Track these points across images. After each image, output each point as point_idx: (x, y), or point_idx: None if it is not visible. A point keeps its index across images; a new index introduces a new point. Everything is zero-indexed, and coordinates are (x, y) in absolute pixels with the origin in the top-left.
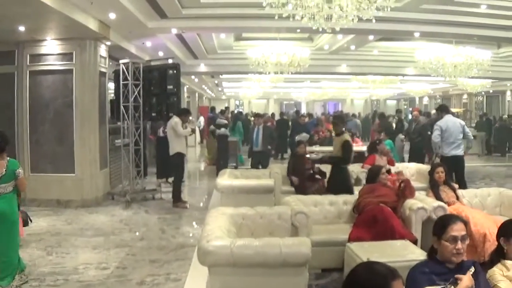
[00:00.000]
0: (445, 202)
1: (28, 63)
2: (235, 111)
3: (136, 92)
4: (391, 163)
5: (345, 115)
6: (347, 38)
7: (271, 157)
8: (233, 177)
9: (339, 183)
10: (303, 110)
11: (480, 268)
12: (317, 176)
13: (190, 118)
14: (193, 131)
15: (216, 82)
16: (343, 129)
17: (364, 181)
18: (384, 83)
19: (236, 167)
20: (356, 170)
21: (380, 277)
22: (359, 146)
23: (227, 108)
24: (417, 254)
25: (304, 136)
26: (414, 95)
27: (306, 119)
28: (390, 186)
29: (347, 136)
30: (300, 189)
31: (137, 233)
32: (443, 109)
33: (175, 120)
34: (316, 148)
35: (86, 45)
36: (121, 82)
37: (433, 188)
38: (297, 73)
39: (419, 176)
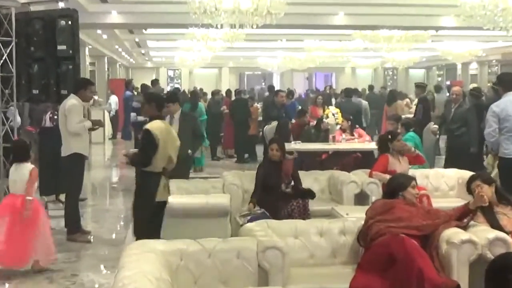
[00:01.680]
0: (506, 232)
1: None
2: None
3: (4, 56)
4: (417, 160)
5: (349, 92)
6: None
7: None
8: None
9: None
10: (276, 86)
11: None
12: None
13: (95, 97)
14: (97, 123)
15: (137, 40)
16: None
17: (372, 198)
18: (406, 41)
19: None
20: (360, 179)
21: None
22: (364, 143)
23: (154, 81)
24: None
25: (281, 124)
26: (454, 61)
27: (284, 99)
28: (417, 205)
29: None
30: (272, 210)
31: None
32: (504, 83)
33: (71, 102)
34: (297, 145)
35: None
36: None
37: (484, 210)
38: (266, 26)
39: (463, 190)
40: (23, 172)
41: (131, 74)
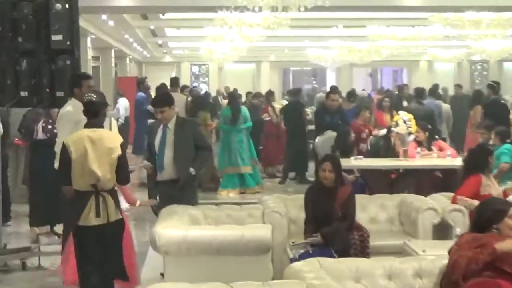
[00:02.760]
0: None
1: None
2: (194, 87)
3: None
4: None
5: (420, 92)
6: None
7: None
8: (190, 222)
9: None
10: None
11: None
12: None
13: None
14: None
15: (152, 28)
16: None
17: (457, 230)
18: (499, 26)
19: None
20: (441, 205)
21: None
22: (446, 159)
23: (174, 79)
24: None
25: (341, 134)
26: None
27: (336, 103)
28: None
29: None
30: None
31: None
32: None
33: (65, 109)
34: (358, 161)
35: None
36: None
37: None
38: (318, 9)
39: None
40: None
41: (145, 71)
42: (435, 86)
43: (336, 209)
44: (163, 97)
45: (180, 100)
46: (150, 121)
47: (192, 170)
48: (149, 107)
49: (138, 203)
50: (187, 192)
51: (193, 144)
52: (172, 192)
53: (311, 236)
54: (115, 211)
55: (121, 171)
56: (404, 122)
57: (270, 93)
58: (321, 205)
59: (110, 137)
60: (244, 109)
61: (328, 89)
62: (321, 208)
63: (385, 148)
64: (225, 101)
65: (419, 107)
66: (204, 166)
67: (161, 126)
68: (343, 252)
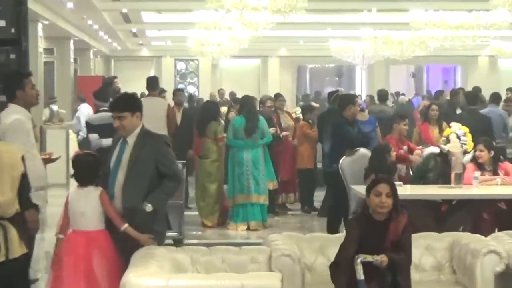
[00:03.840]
0: None
1: None
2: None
3: None
4: None
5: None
6: None
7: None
8: (173, 269)
9: None
10: (360, 86)
11: None
12: None
13: (54, 108)
14: (48, 159)
15: (124, 11)
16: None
17: None
18: None
19: None
20: (506, 248)
21: None
22: None
23: (152, 80)
24: None
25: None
26: None
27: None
28: None
29: None
30: None
31: None
32: None
33: (12, 118)
34: (398, 189)
35: None
36: None
37: None
38: None
39: None
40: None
41: (115, 69)
42: (496, 94)
43: (386, 249)
44: (126, 99)
45: (160, 107)
46: (93, 136)
47: (147, 205)
48: (90, 117)
49: (124, 226)
50: (142, 226)
51: (155, 169)
52: (119, 238)
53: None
54: (19, 244)
55: (23, 192)
56: (458, 137)
57: (279, 98)
58: (368, 242)
59: (9, 150)
60: (262, 119)
61: (356, 92)
62: (370, 244)
63: (438, 172)
64: (223, 109)
65: (470, 116)
66: (165, 203)
67: (121, 140)
68: None
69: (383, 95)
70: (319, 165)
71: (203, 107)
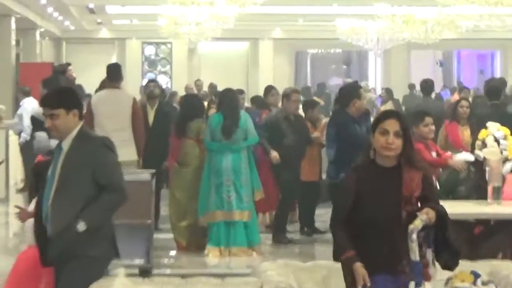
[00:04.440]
0: None
1: None
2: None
3: None
4: None
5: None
6: None
7: None
8: None
9: None
10: (374, 75)
11: None
12: None
13: None
14: None
15: None
16: None
17: None
18: None
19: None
20: None
21: None
22: None
23: (114, 68)
24: None
25: None
26: None
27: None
28: None
29: None
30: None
31: None
32: None
33: None
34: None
35: None
36: None
37: None
38: None
39: None
40: None
41: (66, 54)
42: None
43: (403, 194)
44: (61, 92)
45: (124, 102)
46: (40, 134)
47: (79, 223)
48: (37, 110)
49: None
50: (74, 265)
51: (91, 181)
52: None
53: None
54: None
55: None
56: (497, 141)
57: (271, 91)
58: (373, 195)
59: None
60: (245, 116)
61: (369, 84)
62: (371, 201)
63: (472, 184)
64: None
65: (497, 112)
66: (107, 219)
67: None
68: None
69: (428, 87)
70: (325, 176)
71: (183, 102)
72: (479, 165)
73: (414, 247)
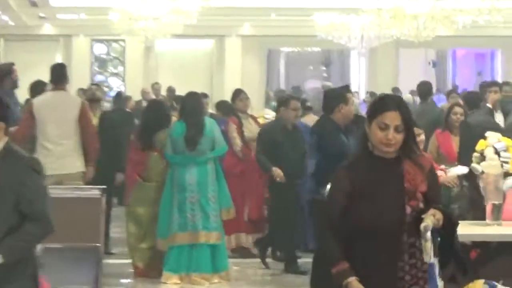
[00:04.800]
0: None
1: None
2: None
3: None
4: None
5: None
6: None
7: None
8: None
9: None
10: (357, 81)
11: None
12: None
13: None
14: None
15: None
16: None
17: None
18: None
19: None
20: None
21: None
22: None
23: (59, 69)
24: None
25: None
26: None
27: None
28: None
29: None
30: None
31: None
32: None
33: None
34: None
35: None
36: None
37: None
38: None
39: None
40: None
41: (5, 52)
42: None
43: (406, 193)
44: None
45: (70, 106)
46: None
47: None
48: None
49: None
50: None
51: (14, 207)
52: None
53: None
54: None
55: None
56: (497, 153)
57: (238, 97)
58: (376, 191)
59: None
60: (211, 123)
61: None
62: (374, 199)
63: (467, 202)
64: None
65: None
66: (28, 252)
67: None
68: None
69: (426, 90)
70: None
71: (147, 109)
72: (473, 179)
73: (428, 247)
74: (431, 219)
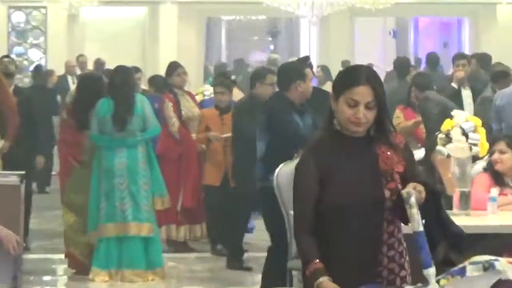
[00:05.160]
0: None
1: None
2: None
3: None
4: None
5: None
6: None
7: None
8: None
9: None
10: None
11: None
12: None
13: None
14: None
15: None
16: None
17: None
18: None
19: None
20: None
21: None
22: None
23: None
24: None
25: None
26: None
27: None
28: None
29: None
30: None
31: None
32: None
33: None
34: None
35: None
36: None
37: None
38: None
39: None
40: None
41: None
42: None
43: (383, 181)
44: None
45: None
46: None
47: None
48: None
49: None
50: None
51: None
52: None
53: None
54: None
55: None
56: (464, 133)
57: (176, 71)
58: (348, 175)
59: None
60: (143, 101)
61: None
62: (347, 184)
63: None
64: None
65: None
66: None
67: None
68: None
69: (404, 67)
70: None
71: (80, 85)
72: (428, 163)
73: (414, 214)
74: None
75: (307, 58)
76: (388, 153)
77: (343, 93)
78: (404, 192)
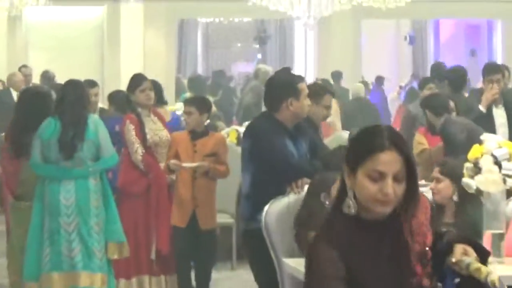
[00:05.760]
0: None
1: None
2: None
3: None
4: None
5: None
6: None
7: None
8: None
9: None
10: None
11: None
12: None
13: None
14: None
15: None
16: None
17: None
18: None
19: None
20: None
21: None
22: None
23: None
24: None
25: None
26: None
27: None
28: None
29: None
30: None
31: None
32: None
33: None
34: None
35: None
36: None
37: None
38: None
39: None
40: None
41: None
42: None
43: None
44: None
45: None
46: None
47: None
48: None
49: None
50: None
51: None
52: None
53: None
54: None
55: None
56: (497, 162)
57: (138, 85)
58: (376, 269)
59: None
60: (96, 123)
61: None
62: (367, 278)
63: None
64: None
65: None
66: None
67: None
68: None
69: (460, 78)
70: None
71: (20, 103)
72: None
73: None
74: (461, 260)
75: (287, 69)
76: (419, 227)
77: (362, 164)
78: (483, 271)
